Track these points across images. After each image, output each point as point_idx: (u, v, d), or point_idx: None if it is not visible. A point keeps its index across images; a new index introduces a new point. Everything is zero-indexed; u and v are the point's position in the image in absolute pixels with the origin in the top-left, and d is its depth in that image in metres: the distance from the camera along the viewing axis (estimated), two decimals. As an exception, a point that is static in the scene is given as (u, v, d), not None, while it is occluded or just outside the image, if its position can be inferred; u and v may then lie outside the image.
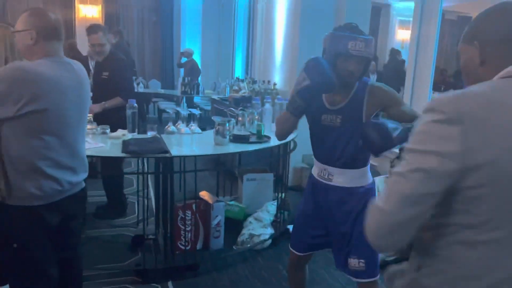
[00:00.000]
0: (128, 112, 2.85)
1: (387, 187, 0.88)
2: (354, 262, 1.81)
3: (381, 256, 2.84)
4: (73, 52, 6.78)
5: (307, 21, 4.33)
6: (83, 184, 1.86)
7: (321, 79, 1.61)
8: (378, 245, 0.90)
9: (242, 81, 5.66)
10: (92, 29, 3.25)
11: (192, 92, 6.62)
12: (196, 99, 7.29)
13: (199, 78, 7.23)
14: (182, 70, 7.89)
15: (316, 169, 1.91)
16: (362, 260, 1.80)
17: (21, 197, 1.63)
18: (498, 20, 0.92)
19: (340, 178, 1.82)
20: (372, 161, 3.83)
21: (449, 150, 0.81)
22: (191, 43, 8.53)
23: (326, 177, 1.85)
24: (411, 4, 8.44)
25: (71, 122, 1.72)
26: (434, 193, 0.83)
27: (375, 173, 3.53)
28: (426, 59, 3.29)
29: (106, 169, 3.40)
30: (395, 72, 6.56)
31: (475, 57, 0.95)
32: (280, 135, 1.87)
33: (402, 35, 9.20)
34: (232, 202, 3.55)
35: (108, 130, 2.85)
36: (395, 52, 7.66)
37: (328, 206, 1.88)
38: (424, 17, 3.30)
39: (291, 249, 2.04)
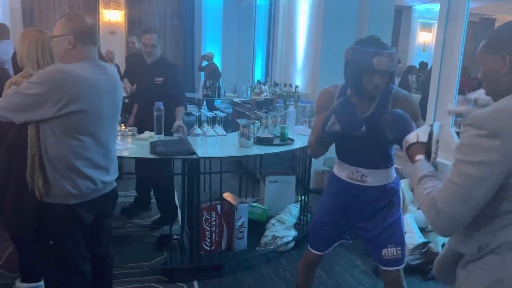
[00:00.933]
0: (155, 114, 2.91)
1: (445, 190, 1.09)
2: (391, 251, 1.86)
3: (406, 260, 2.82)
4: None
5: (330, 24, 4.33)
6: (115, 184, 1.92)
7: (351, 125, 1.68)
8: (446, 235, 1.17)
9: (264, 84, 5.69)
10: (149, 29, 3.30)
11: (214, 95, 6.69)
12: (217, 102, 7.35)
13: (220, 81, 7.30)
14: (202, 74, 7.97)
15: (345, 171, 1.91)
16: (399, 248, 1.88)
17: (58, 195, 1.69)
18: None
19: (374, 178, 1.88)
20: (396, 164, 3.80)
21: (494, 159, 1.01)
22: (212, 46, 8.62)
23: (359, 178, 1.87)
24: (432, 6, 8.30)
25: (106, 123, 1.77)
26: (486, 192, 1.04)
27: (399, 175, 3.51)
28: (452, 62, 3.25)
29: (140, 171, 3.40)
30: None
31: (501, 67, 1.09)
32: (315, 156, 1.96)
33: (424, 37, 9.11)
34: (255, 204, 3.57)
35: (135, 132, 2.91)
36: None
37: (361, 206, 1.91)
38: (450, 19, 3.27)
39: (312, 250, 2.05)
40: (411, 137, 1.43)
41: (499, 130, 1.00)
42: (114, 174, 1.89)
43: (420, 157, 1.33)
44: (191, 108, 7.52)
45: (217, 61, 8.09)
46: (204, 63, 7.79)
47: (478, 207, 1.06)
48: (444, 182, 1.10)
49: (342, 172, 1.93)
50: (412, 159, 1.38)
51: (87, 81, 1.67)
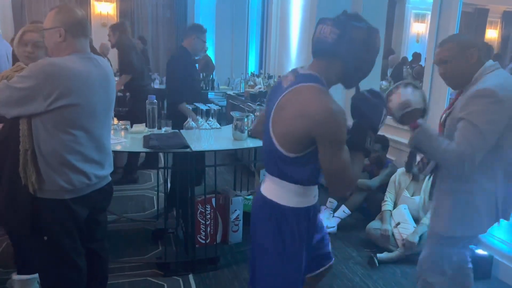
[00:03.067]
0: (148, 107, 2.89)
1: (463, 137, 1.61)
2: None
3: (401, 250, 2.81)
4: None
5: (324, 15, 4.31)
6: (109, 178, 1.91)
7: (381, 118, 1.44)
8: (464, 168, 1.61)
9: (258, 76, 5.67)
10: (204, 28, 3.52)
11: (207, 88, 6.66)
12: (210, 95, 7.31)
13: (213, 74, 7.27)
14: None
15: (311, 196, 1.48)
16: None
17: (51, 190, 1.67)
18: None
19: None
20: (390, 155, 3.79)
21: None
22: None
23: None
24: (427, -3, 8.27)
25: (99, 117, 1.76)
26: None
27: (393, 166, 3.52)
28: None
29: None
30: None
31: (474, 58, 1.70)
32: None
33: (417, 28, 9.09)
34: (250, 197, 3.57)
35: (128, 126, 2.89)
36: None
37: (316, 223, 1.61)
38: (443, 9, 3.26)
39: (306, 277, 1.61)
40: (404, 104, 1.71)
41: (503, 97, 1.59)
42: (108, 168, 1.87)
43: (421, 120, 1.70)
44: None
45: (210, 53, 8.04)
46: (198, 55, 7.74)
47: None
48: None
49: (308, 198, 1.45)
50: (412, 125, 1.71)
51: (79, 74, 1.65)
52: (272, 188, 1.43)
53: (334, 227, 3.35)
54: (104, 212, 1.96)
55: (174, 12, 8.98)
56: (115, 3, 8.50)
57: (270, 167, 1.43)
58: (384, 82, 5.46)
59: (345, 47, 1.30)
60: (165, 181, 3.03)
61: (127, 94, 4.34)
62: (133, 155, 3.96)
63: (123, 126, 2.88)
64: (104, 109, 1.79)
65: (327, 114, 1.23)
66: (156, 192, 3.79)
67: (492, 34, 9.10)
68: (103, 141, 1.81)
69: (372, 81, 4.68)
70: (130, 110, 4.19)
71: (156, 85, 6.37)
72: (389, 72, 7.04)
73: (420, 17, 9.02)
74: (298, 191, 1.42)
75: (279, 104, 1.34)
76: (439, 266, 1.85)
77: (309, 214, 1.47)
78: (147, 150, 2.45)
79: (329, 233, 3.29)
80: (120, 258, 2.74)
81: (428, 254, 1.89)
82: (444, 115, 1.83)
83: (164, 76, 8.78)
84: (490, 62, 1.70)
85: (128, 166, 4.22)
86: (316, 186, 1.48)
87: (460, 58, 1.69)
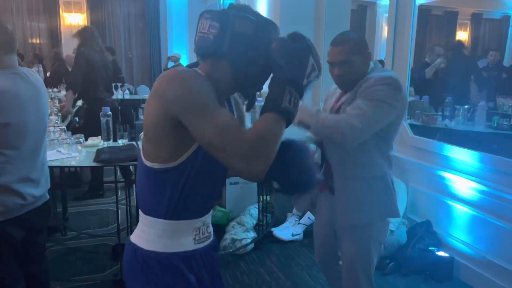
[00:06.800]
0: (103, 120, 2.81)
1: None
2: None
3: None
4: (57, 61, 6.79)
5: (287, 22, 4.31)
6: (47, 197, 1.83)
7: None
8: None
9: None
10: None
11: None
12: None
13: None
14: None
15: (189, 231, 1.14)
16: None
17: (-19, 213, 1.59)
18: None
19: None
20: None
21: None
22: (179, 47, 8.51)
23: (207, 233, 1.21)
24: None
25: (32, 133, 1.69)
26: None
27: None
28: (402, 55, 3.27)
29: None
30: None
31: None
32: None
33: (390, 31, 9.22)
34: (215, 207, 3.52)
35: (82, 139, 2.81)
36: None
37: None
38: (399, 13, 3.29)
39: None
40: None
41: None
42: (44, 186, 1.80)
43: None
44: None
45: (184, 62, 7.98)
46: (171, 64, 7.67)
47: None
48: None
49: (185, 239, 1.13)
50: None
51: (7, 92, 1.57)
52: (139, 230, 1.13)
53: (300, 234, 3.32)
54: (41, 232, 1.88)
55: (146, 22, 8.91)
56: (85, 14, 8.39)
57: (141, 202, 1.14)
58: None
59: (228, 43, 1.01)
60: (127, 195, 2.96)
61: (85, 105, 4.21)
62: (97, 170, 3.84)
63: (76, 140, 2.80)
64: (36, 124, 1.72)
65: (171, 78, 0.98)
66: (120, 206, 3.70)
67: (462, 35, 9.27)
68: (38, 159, 1.74)
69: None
70: (85, 123, 4.07)
71: (126, 95, 6.28)
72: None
73: (391, 21, 9.14)
74: (167, 228, 1.09)
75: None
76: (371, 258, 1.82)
77: (191, 263, 1.12)
78: (96, 164, 2.37)
79: (295, 240, 3.30)
80: (76, 277, 2.65)
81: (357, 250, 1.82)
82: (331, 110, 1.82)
83: (138, 85, 8.74)
84: (375, 62, 1.80)
85: (93, 181, 4.09)
86: (206, 218, 1.17)
87: (360, 58, 1.70)
